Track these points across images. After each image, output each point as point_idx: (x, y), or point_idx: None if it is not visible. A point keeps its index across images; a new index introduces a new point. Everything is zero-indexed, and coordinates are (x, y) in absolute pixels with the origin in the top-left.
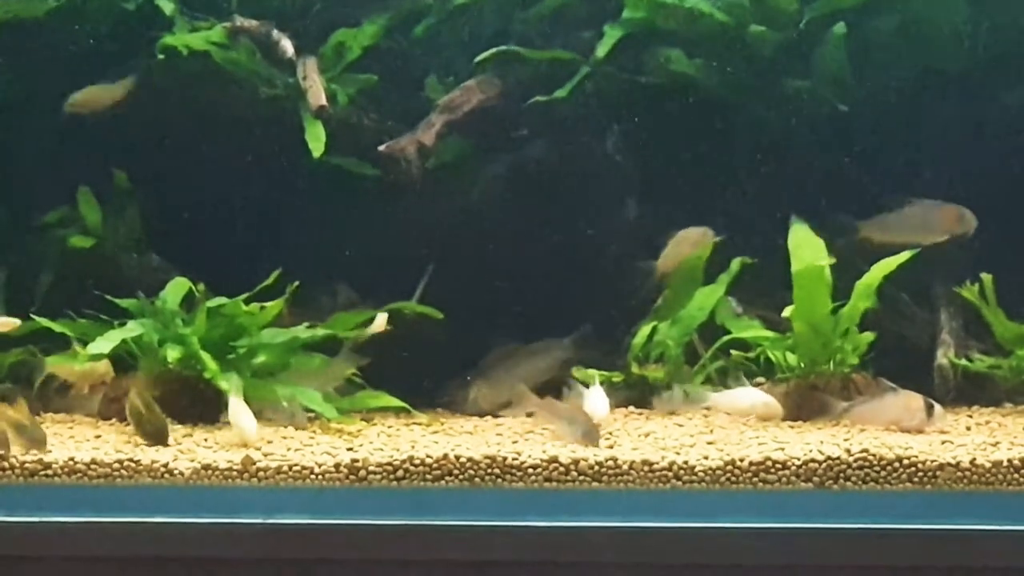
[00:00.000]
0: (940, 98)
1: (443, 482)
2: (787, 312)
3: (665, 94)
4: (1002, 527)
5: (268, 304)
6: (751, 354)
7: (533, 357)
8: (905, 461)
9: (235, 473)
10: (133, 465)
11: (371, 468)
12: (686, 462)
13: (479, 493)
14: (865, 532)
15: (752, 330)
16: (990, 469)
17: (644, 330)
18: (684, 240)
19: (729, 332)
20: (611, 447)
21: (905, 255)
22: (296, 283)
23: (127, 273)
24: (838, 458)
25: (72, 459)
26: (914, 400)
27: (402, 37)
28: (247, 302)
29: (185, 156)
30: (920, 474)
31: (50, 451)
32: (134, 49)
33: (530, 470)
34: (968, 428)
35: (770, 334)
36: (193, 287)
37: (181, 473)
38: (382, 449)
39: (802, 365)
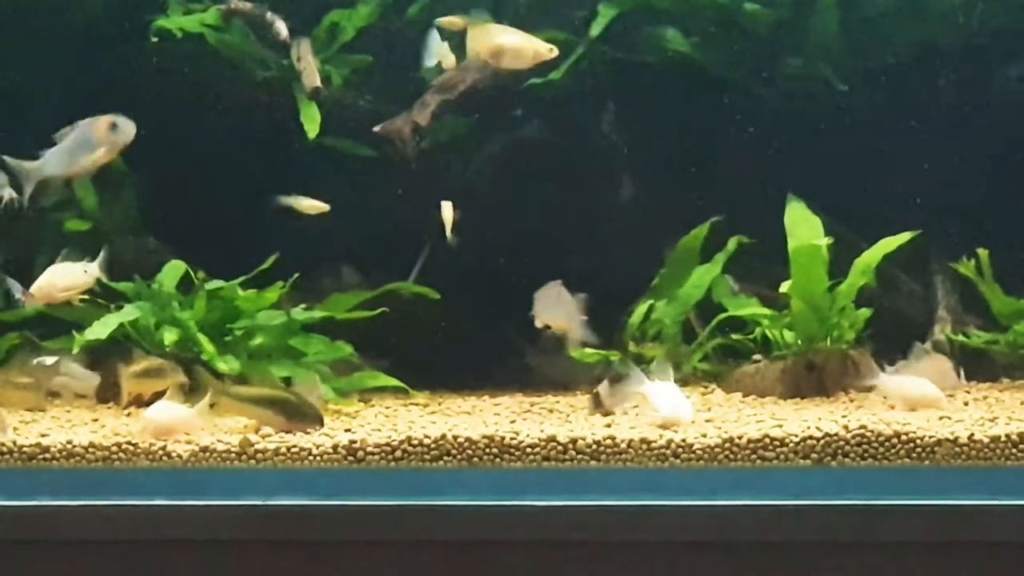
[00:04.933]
0: (937, 74)
1: (441, 462)
2: (784, 287)
3: (660, 73)
4: (1000, 502)
5: (266, 292)
6: (753, 335)
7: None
8: (903, 437)
9: (233, 455)
10: (131, 448)
11: (369, 449)
12: (684, 440)
13: (477, 473)
14: (863, 508)
15: (749, 308)
16: (988, 444)
17: (641, 308)
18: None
19: (726, 310)
20: (609, 426)
21: (905, 236)
22: (296, 275)
23: (124, 256)
24: (836, 435)
25: (70, 442)
26: (944, 362)
27: (396, 17)
28: (245, 285)
29: (180, 138)
30: (918, 450)
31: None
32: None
33: (528, 449)
34: (966, 404)
35: (767, 312)
36: (192, 274)
37: (179, 456)
38: (380, 430)
39: (799, 342)
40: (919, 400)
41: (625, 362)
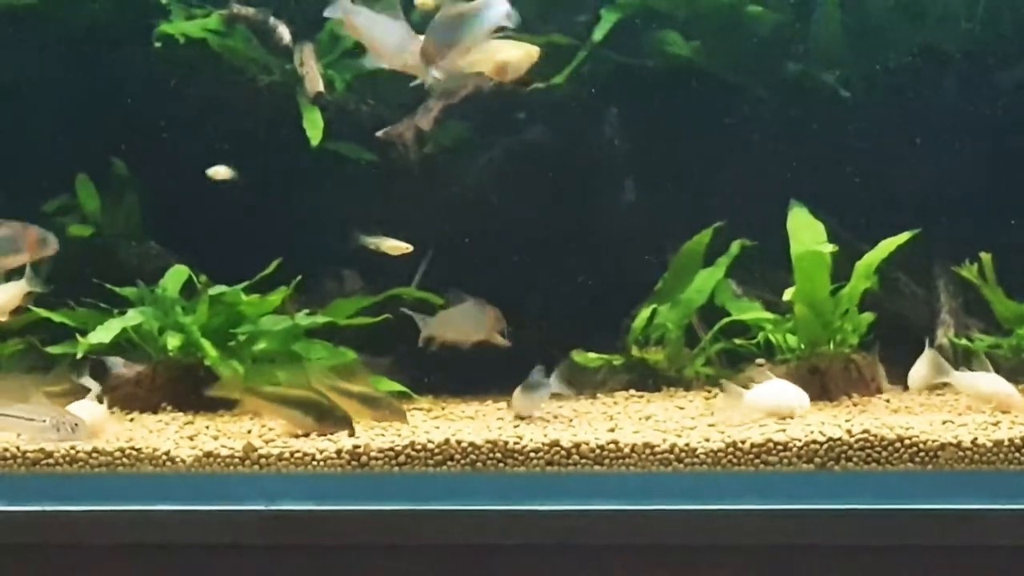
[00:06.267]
0: (938, 77)
1: (445, 467)
2: (788, 294)
3: (663, 77)
4: (1003, 506)
5: (269, 296)
6: (756, 339)
7: None
8: (906, 441)
9: (236, 460)
10: (135, 453)
11: (372, 454)
12: (687, 444)
13: (481, 478)
14: (867, 512)
15: (752, 312)
16: (991, 448)
17: (644, 313)
18: None
19: (729, 314)
20: (612, 431)
21: (905, 236)
22: (299, 276)
23: (126, 261)
24: (839, 439)
25: (73, 448)
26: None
27: None
28: (248, 290)
29: (183, 143)
30: (921, 454)
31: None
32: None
33: (532, 454)
34: (968, 407)
35: (770, 316)
36: (194, 278)
37: (183, 461)
38: (383, 435)
39: (802, 346)
40: (993, 397)
41: (542, 370)
